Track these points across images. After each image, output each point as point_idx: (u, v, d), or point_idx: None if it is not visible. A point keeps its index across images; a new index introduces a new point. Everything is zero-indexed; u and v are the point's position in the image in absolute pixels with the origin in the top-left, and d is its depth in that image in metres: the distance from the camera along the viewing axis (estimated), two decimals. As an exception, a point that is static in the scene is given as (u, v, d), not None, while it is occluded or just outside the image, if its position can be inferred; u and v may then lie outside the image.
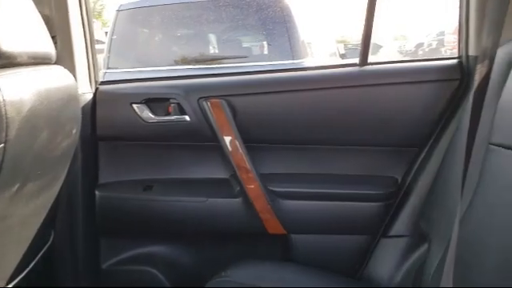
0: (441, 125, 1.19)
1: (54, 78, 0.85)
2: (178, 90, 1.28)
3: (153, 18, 3.22)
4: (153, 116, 1.28)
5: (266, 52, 3.13)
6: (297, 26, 2.97)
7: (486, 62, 0.99)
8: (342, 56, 4.95)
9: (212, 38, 3.28)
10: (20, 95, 0.70)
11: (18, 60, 0.74)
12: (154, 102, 1.28)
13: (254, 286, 1.04)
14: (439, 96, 1.17)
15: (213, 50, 3.31)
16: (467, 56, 1.18)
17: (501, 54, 1.00)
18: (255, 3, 3.07)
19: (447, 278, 0.83)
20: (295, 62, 2.86)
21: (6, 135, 0.67)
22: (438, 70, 1.19)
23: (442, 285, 0.84)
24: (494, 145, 0.97)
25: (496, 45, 1.00)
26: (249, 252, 1.31)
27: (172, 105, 1.28)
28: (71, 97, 0.93)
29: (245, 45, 3.27)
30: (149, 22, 3.26)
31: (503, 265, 0.86)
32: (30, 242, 0.94)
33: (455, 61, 1.19)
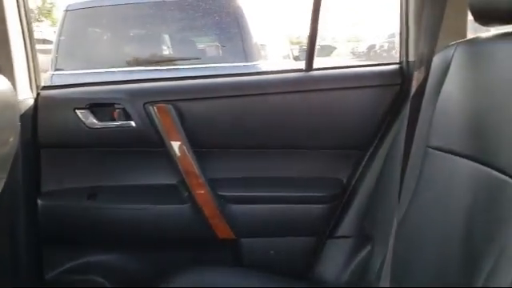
0: (383, 128, 1.22)
1: None
2: (123, 95, 1.25)
3: (104, 18, 3.15)
4: (97, 122, 1.25)
5: (220, 54, 3.13)
6: (249, 28, 2.99)
7: (423, 68, 1.03)
8: (296, 58, 4.99)
9: (166, 38, 3.25)
10: None
11: None
12: (99, 107, 1.25)
13: None
14: (381, 100, 1.21)
15: (167, 50, 3.28)
16: (407, 62, 1.22)
17: (437, 60, 1.04)
18: (209, 4, 3.06)
19: (385, 278, 0.86)
20: (248, 64, 2.87)
21: None
22: (380, 75, 1.23)
23: (381, 284, 0.87)
24: (431, 148, 1.01)
25: (432, 51, 1.05)
26: (199, 258, 1.30)
27: (117, 110, 1.25)
28: (8, 104, 0.90)
29: (199, 46, 3.26)
30: (100, 22, 3.18)
31: (440, 263, 0.90)
32: None
33: (396, 66, 1.23)
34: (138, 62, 3.06)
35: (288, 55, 4.95)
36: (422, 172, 1.01)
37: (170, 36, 3.25)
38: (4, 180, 0.98)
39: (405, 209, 1.01)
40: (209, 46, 3.22)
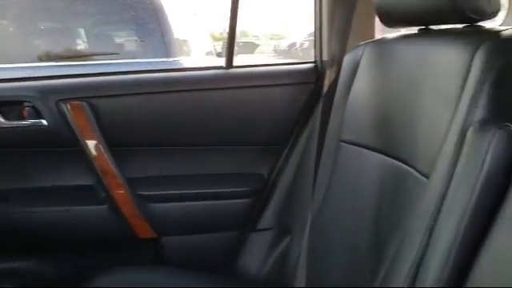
0: (300, 124, 1.27)
1: None
2: (34, 92, 1.19)
3: (11, 8, 2.95)
4: (4, 121, 1.18)
5: (139, 49, 3.05)
6: (169, 23, 2.95)
7: (334, 67, 1.08)
8: (219, 54, 4.99)
9: (81, 32, 3.11)
10: None
11: None
12: (6, 105, 1.18)
13: None
14: (298, 97, 1.26)
15: (83, 45, 3.15)
16: (321, 61, 1.28)
17: (347, 59, 1.10)
18: (127, -3, 2.98)
19: (301, 270, 0.90)
20: (169, 60, 2.84)
21: None
22: (296, 73, 1.28)
23: (297, 275, 0.91)
24: (343, 142, 1.07)
25: (343, 51, 1.10)
26: (120, 259, 1.28)
27: (27, 108, 1.19)
28: None
29: (117, 40, 3.16)
30: (6, 12, 2.98)
31: (352, 253, 0.95)
32: None
33: (311, 65, 1.28)
34: (50, 57, 2.90)
35: (211, 51, 4.95)
36: (335, 165, 1.07)
37: (85, 30, 3.12)
38: None
39: (320, 201, 1.07)
40: (127, 40, 3.14)
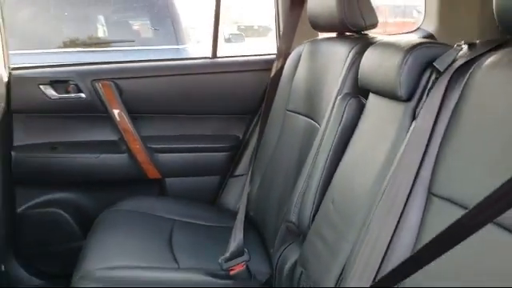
0: (264, 99, 1.76)
1: None
2: (76, 74, 1.70)
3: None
4: (56, 94, 1.69)
5: (152, 36, 3.45)
6: (179, 13, 3.34)
7: (281, 59, 1.57)
8: (227, 40, 5.33)
9: (101, 19, 3.52)
10: None
11: None
12: (57, 83, 1.69)
13: (143, 212, 1.53)
14: (262, 79, 1.74)
15: (102, 31, 3.55)
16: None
17: (294, 53, 1.59)
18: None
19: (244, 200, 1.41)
20: (179, 47, 3.24)
21: None
22: (261, 62, 1.77)
23: (243, 196, 1.42)
24: (288, 110, 1.56)
25: (289, 47, 1.59)
26: (134, 193, 1.78)
27: (71, 85, 1.69)
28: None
29: (134, 28, 3.55)
30: (36, 1, 3.37)
31: (282, 191, 1.42)
32: None
33: (273, 56, 1.76)
34: (74, 43, 3.34)
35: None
36: (282, 126, 1.56)
37: (104, 17, 3.53)
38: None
39: (271, 153, 1.56)
40: (142, 27, 3.52)
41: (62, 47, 3.25)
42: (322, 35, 1.64)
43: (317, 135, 1.26)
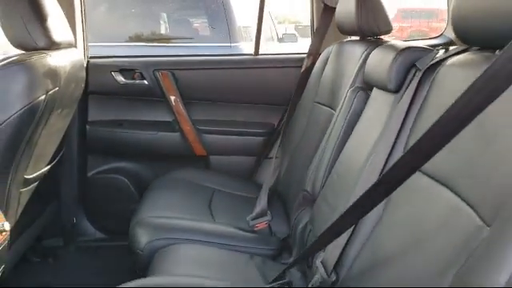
0: (297, 91, 2.02)
1: (76, 57, 1.60)
2: (140, 65, 2.04)
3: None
4: (124, 80, 2.04)
5: (209, 34, 3.74)
6: (234, 12, 3.58)
7: (311, 58, 1.84)
8: (280, 40, 5.49)
9: (164, 16, 3.86)
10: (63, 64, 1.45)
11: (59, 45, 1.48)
12: (125, 71, 2.04)
13: (190, 180, 1.85)
14: (295, 74, 2.00)
15: (164, 27, 3.88)
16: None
17: (324, 53, 1.84)
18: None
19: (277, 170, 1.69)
20: (232, 45, 3.52)
21: (60, 83, 1.42)
22: (295, 60, 2.03)
23: (273, 171, 1.70)
24: (316, 103, 1.81)
25: (318, 48, 1.85)
26: (184, 166, 2.10)
27: (136, 73, 2.04)
28: (81, 67, 1.69)
29: (193, 26, 3.84)
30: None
31: (306, 163, 1.71)
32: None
33: (304, 55, 2.02)
34: (139, 39, 3.71)
35: (272, 37, 5.43)
36: (309, 116, 1.82)
37: (167, 14, 3.86)
38: (74, 110, 1.77)
39: (298, 139, 1.83)
40: (201, 25, 3.83)
41: (128, 41, 3.64)
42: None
43: (331, 121, 1.52)
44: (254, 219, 1.55)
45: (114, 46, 3.42)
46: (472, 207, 0.74)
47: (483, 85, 0.62)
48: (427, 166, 0.81)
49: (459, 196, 0.78)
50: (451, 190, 0.81)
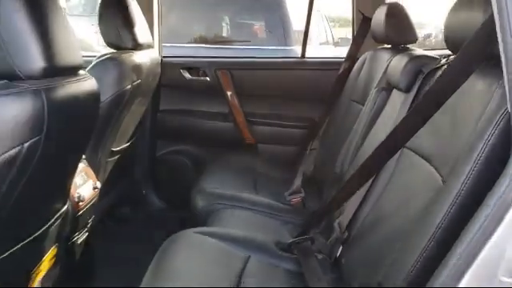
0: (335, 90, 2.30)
1: (153, 56, 1.99)
2: (204, 64, 2.42)
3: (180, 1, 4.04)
4: (190, 76, 2.42)
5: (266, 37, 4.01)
6: (289, 17, 3.75)
7: (348, 62, 2.12)
8: (336, 44, 5.60)
9: (226, 19, 4.07)
10: (145, 61, 1.84)
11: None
12: (192, 69, 2.43)
13: (239, 164, 2.20)
14: (336, 76, 2.29)
15: (226, 30, 4.19)
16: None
17: (361, 58, 2.12)
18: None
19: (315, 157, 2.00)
20: (287, 48, 3.76)
21: (142, 77, 1.80)
22: (336, 63, 2.32)
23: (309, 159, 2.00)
24: (352, 101, 2.09)
25: (355, 53, 2.14)
26: (235, 153, 2.44)
27: (200, 71, 2.42)
28: (157, 64, 2.08)
29: (253, 29, 4.09)
30: (175, 2, 3.97)
31: (337, 153, 2.00)
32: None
33: (342, 59, 2.30)
34: (203, 40, 4.06)
35: (327, 41, 5.55)
36: (345, 113, 2.11)
37: (229, 18, 4.18)
38: (149, 100, 2.17)
39: (334, 133, 2.11)
40: (260, 29, 4.04)
41: (192, 42, 4.01)
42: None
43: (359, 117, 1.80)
44: (290, 194, 1.87)
45: (182, 47, 3.74)
46: (436, 169, 1.02)
47: (447, 79, 0.92)
48: (412, 145, 1.10)
49: (432, 166, 1.06)
50: (429, 162, 1.09)
